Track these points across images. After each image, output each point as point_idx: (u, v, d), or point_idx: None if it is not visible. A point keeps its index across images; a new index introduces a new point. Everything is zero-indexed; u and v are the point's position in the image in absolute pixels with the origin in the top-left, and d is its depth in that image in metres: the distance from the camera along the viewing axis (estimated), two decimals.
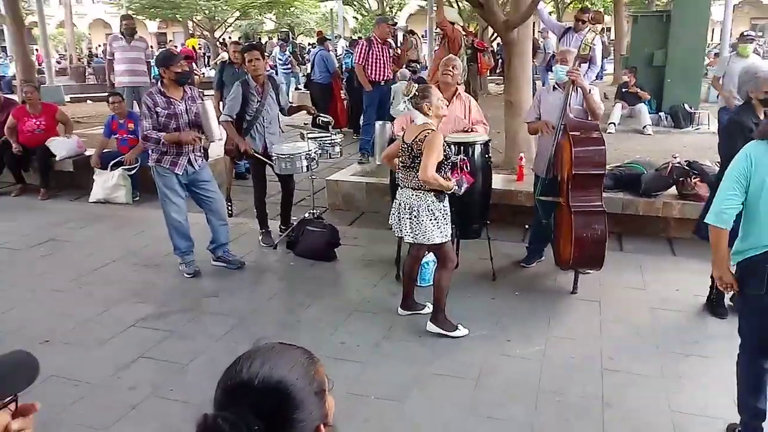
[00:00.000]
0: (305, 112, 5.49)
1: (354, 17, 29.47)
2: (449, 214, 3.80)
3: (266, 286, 4.77)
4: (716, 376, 3.30)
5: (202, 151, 4.74)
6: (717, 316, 4.04)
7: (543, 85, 12.63)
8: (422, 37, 17.51)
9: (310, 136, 5.12)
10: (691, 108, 9.67)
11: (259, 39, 29.83)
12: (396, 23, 9.09)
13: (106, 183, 6.89)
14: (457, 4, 15.15)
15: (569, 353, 3.68)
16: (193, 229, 4.88)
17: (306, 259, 5.15)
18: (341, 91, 11.14)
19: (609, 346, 3.74)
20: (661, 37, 9.55)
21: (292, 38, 32.45)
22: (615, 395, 3.26)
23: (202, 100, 4.62)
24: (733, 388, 2.89)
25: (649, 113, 9.69)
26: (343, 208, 6.59)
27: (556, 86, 4.58)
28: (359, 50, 7.20)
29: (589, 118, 4.44)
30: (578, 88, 4.36)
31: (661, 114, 9.89)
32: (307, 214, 5.45)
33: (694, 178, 5.19)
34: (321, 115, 5.29)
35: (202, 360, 3.64)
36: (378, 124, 4.75)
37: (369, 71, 7.18)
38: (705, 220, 2.79)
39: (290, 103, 5.54)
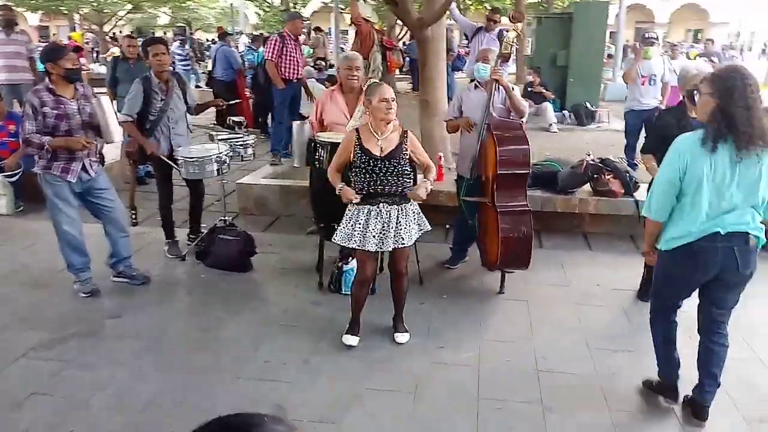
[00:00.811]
0: (214, 107, 5.08)
1: (256, 13, 28.61)
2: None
3: (176, 302, 4.36)
4: (647, 370, 3.32)
5: (98, 155, 4.25)
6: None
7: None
8: (327, 34, 17.22)
9: (220, 137, 4.74)
10: (592, 106, 10.07)
11: (153, 34, 28.31)
12: (308, 19, 8.78)
13: None
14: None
15: (504, 356, 3.60)
16: (89, 242, 4.37)
17: (219, 271, 4.78)
18: (245, 89, 10.69)
19: (541, 347, 3.70)
20: (563, 39, 9.88)
21: (190, 33, 31.14)
22: (554, 398, 3.20)
23: (97, 96, 4.14)
24: None
25: (554, 111, 9.99)
26: (256, 212, 6.24)
27: (477, 84, 4.50)
28: (272, 46, 6.84)
29: (513, 117, 4.40)
30: (501, 87, 4.29)
31: (565, 112, 10.23)
32: (218, 221, 5.07)
33: (608, 175, 5.31)
34: (230, 104, 4.92)
35: (107, 392, 3.22)
36: (296, 123, 4.46)
37: (281, 68, 6.84)
38: (644, 215, 2.97)
39: (195, 102, 5.12)
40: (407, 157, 3.57)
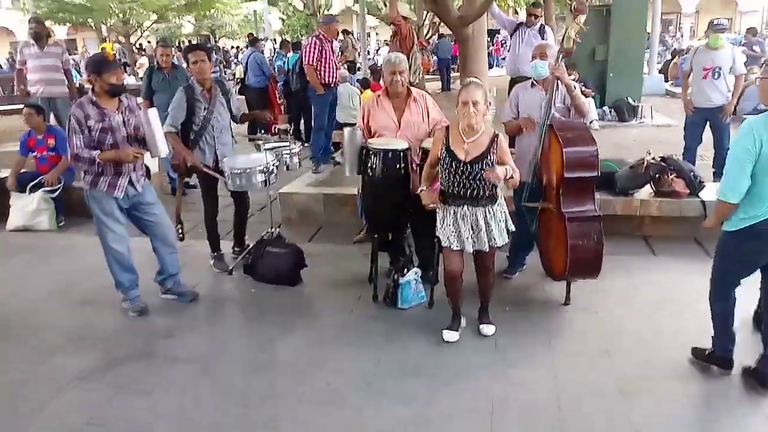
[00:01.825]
0: (259, 119, 4.92)
1: (280, 18, 28.64)
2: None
3: (227, 320, 4.21)
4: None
5: (144, 169, 4.11)
6: None
7: None
8: (356, 36, 17.05)
9: (266, 146, 4.58)
10: (633, 102, 9.72)
11: (179, 43, 28.53)
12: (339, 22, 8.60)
13: (26, 208, 6.05)
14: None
15: (581, 375, 3.36)
16: (135, 257, 4.24)
17: (268, 285, 4.62)
18: (277, 95, 10.58)
19: (620, 363, 3.45)
20: (602, 32, 9.53)
21: (215, 41, 31.36)
22: (643, 420, 2.95)
23: (143, 109, 3.99)
24: None
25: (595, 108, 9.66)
26: (300, 222, 6.07)
27: (534, 83, 4.27)
28: (310, 49, 6.63)
29: (573, 117, 4.15)
30: (561, 85, 4.05)
31: (605, 108, 9.90)
32: (265, 234, 4.91)
33: (671, 174, 5.02)
34: (277, 123, 4.76)
35: (167, 420, 3.07)
36: (347, 130, 4.25)
37: (320, 72, 6.65)
38: (720, 198, 3.00)
39: (241, 110, 4.96)
40: (493, 162, 3.43)
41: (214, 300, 4.49)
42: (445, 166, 3.49)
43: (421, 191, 3.70)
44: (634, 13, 9.49)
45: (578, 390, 3.21)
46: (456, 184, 3.47)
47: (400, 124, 4.32)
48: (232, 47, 29.29)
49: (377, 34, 36.00)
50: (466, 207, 3.50)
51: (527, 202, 4.18)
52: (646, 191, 5.24)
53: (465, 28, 6.32)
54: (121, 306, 4.25)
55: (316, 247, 5.42)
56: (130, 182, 3.98)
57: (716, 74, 6.08)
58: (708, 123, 6.27)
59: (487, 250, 3.56)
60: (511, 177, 3.43)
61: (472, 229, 3.52)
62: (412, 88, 4.39)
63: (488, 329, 3.78)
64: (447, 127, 3.61)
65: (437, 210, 3.63)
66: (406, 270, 4.20)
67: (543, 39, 7.08)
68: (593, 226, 3.86)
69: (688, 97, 6.40)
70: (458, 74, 19.50)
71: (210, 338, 3.91)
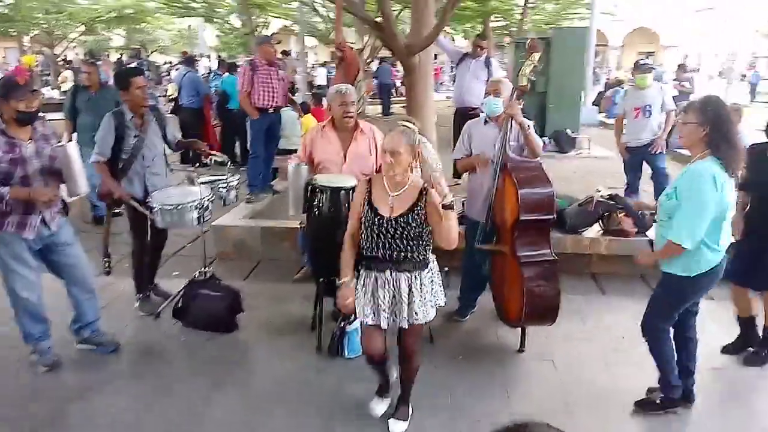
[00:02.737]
0: (196, 149, 4.53)
1: (216, 35, 27.92)
2: None
3: (153, 374, 3.75)
4: None
5: (60, 205, 3.64)
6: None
7: None
8: (296, 57, 16.73)
9: (202, 180, 4.19)
10: (572, 133, 9.84)
11: (107, 56, 27.34)
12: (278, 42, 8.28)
13: None
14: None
15: None
16: (47, 299, 3.72)
17: (200, 331, 4.20)
18: (212, 117, 10.12)
19: (584, 423, 3.26)
20: (542, 64, 9.62)
21: (146, 56, 30.25)
22: None
23: (62, 144, 3.53)
24: None
25: None
26: (234, 257, 5.67)
27: (487, 119, 4.10)
28: (242, 76, 6.33)
29: (525, 155, 4.00)
30: (514, 123, 3.89)
31: (545, 139, 9.96)
32: (197, 273, 4.50)
33: (620, 213, 4.97)
34: (214, 153, 4.38)
35: None
36: (291, 166, 3.94)
37: (255, 97, 6.32)
38: (679, 243, 2.94)
39: (177, 138, 4.57)
40: (422, 219, 2.88)
41: (138, 350, 4.04)
42: (368, 224, 2.91)
43: (341, 284, 3.01)
44: (574, 46, 9.65)
45: None
46: (380, 245, 2.89)
47: (346, 158, 4.05)
48: (165, 62, 28.28)
49: (315, 54, 35.81)
50: (388, 272, 2.91)
51: (481, 244, 3.98)
52: (594, 229, 5.17)
53: (412, 57, 6.16)
54: (29, 359, 3.74)
55: (254, 285, 5.05)
56: (43, 221, 3.51)
57: (647, 113, 6.21)
58: (644, 160, 6.35)
59: (406, 326, 2.95)
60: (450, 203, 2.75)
61: (393, 299, 2.93)
62: (359, 120, 4.15)
63: (396, 426, 3.16)
64: (369, 179, 3.04)
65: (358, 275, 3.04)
66: (352, 317, 3.90)
67: (489, 70, 7.06)
68: (550, 270, 3.69)
69: (622, 140, 6.48)
70: (399, 98, 19.62)
71: (132, 399, 3.46)
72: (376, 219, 2.90)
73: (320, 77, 21.88)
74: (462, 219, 5.01)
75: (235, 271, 5.34)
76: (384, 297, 2.93)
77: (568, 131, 9.79)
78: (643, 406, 3.34)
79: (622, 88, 15.19)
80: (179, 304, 4.35)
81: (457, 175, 4.30)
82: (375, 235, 2.90)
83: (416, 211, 2.88)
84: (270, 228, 5.66)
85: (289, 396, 3.48)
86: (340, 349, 3.88)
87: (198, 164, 8.76)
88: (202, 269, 4.49)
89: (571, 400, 3.44)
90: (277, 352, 3.98)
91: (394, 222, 2.87)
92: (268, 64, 6.47)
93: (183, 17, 24.46)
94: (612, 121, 13.64)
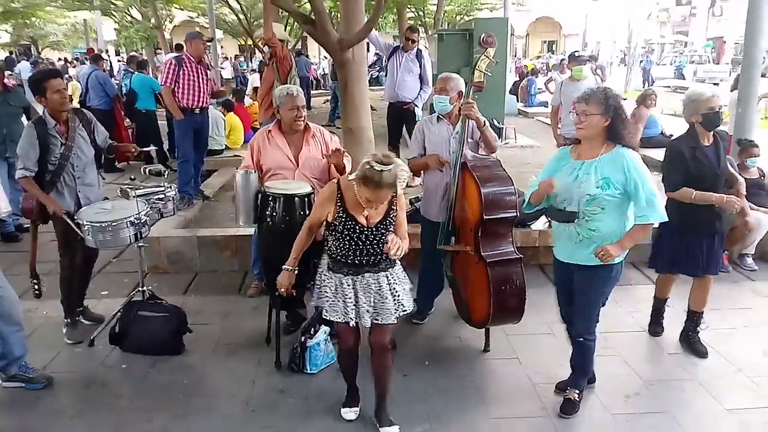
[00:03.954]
0: (126, 152, 4.17)
1: (115, 29, 26.32)
2: None
3: (96, 409, 3.36)
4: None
5: None
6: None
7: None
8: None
9: (138, 193, 3.82)
10: (498, 123, 9.96)
11: None
12: (210, 39, 7.84)
13: None
14: (287, 21, 13.94)
15: None
16: None
17: (143, 356, 3.85)
18: (123, 118, 9.48)
19: (563, 422, 3.23)
20: (465, 55, 9.65)
21: (38, 52, 28.16)
22: None
23: None
24: None
25: None
26: (170, 270, 5.28)
27: (440, 117, 4.00)
28: (167, 70, 5.88)
29: (482, 152, 3.94)
30: (470, 121, 3.81)
31: None
32: (134, 293, 4.13)
33: None
34: (147, 156, 4.03)
35: None
36: (239, 174, 3.65)
37: (180, 96, 5.89)
38: (656, 221, 3.02)
39: (108, 141, 4.16)
40: (394, 222, 2.98)
41: (76, 383, 3.63)
42: (345, 232, 2.88)
43: (287, 271, 3.08)
44: (495, 36, 9.73)
45: None
46: (357, 252, 2.90)
47: (298, 162, 3.83)
48: (59, 59, 26.33)
49: (222, 47, 34.69)
50: (368, 275, 2.96)
51: (442, 245, 3.88)
52: (542, 221, 5.21)
53: (345, 52, 5.95)
54: None
55: (195, 300, 4.72)
56: None
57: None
58: None
59: (395, 321, 3.00)
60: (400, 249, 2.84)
61: (376, 299, 2.97)
62: (309, 123, 3.93)
63: (392, 430, 3.11)
64: (338, 184, 2.96)
65: (319, 275, 3.08)
66: (313, 330, 3.70)
67: (420, 64, 6.96)
68: (515, 268, 3.64)
69: (560, 131, 6.58)
70: (317, 91, 19.28)
71: None
72: (354, 227, 2.88)
73: (227, 71, 21.17)
74: (412, 217, 4.94)
75: (171, 285, 4.96)
76: (367, 299, 2.97)
77: (495, 122, 9.88)
78: (568, 411, 3.26)
79: (535, 77, 15.69)
80: (116, 329, 3.97)
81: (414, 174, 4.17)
82: (353, 243, 2.90)
83: (391, 215, 2.95)
84: (207, 237, 5.32)
85: (256, 421, 3.24)
86: (302, 364, 3.67)
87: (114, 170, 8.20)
88: (140, 288, 4.12)
89: (545, 400, 3.41)
90: (233, 372, 3.71)
91: (374, 229, 2.90)
92: (197, 62, 6.07)
93: (77, 10, 22.96)
94: (531, 110, 14.15)
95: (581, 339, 3.27)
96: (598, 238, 3.02)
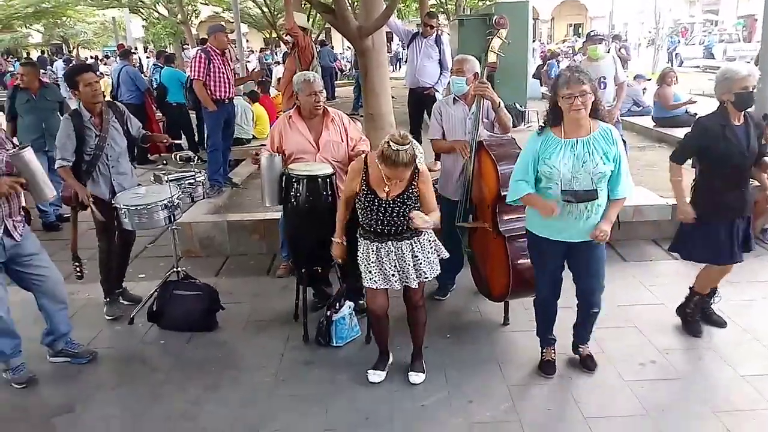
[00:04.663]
0: (162, 143, 4.40)
1: (143, 26, 26.83)
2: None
3: (137, 382, 3.60)
4: (699, 401, 3.05)
5: (22, 214, 3.44)
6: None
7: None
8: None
9: (170, 177, 4.04)
10: (521, 107, 10.01)
11: (28, 54, 25.89)
12: (231, 31, 8.04)
13: None
14: (309, 12, 14.08)
15: (543, 405, 3.23)
16: (15, 312, 3.52)
17: (179, 333, 4.08)
18: (154, 111, 9.78)
19: (578, 388, 3.36)
20: (509, 40, 9.70)
21: (69, 51, 28.84)
22: None
23: (15, 146, 3.33)
24: None
25: None
26: (202, 254, 5.51)
27: (456, 98, 4.12)
28: (197, 63, 6.09)
29: (496, 132, 4.05)
30: (485, 101, 3.93)
31: None
32: (169, 273, 4.35)
33: None
34: (177, 142, 4.25)
35: None
36: (264, 156, 3.84)
37: (210, 88, 6.10)
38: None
39: (142, 131, 4.39)
40: (416, 196, 3.18)
41: (117, 358, 3.88)
42: (366, 204, 3.16)
43: (336, 243, 3.39)
44: (516, 21, 9.71)
45: (545, 426, 3.07)
46: (378, 222, 3.16)
47: (318, 146, 3.99)
48: (91, 57, 26.97)
49: (248, 41, 35.05)
50: (390, 243, 3.20)
51: (461, 222, 4.01)
52: None
53: (364, 39, 6.09)
54: (2, 378, 3.54)
55: (226, 282, 4.93)
56: (6, 231, 3.30)
57: (602, 84, 6.26)
58: None
59: (416, 285, 3.27)
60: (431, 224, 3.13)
61: (398, 265, 3.22)
62: (327, 108, 4.08)
63: (416, 377, 3.42)
64: (365, 159, 3.23)
65: (358, 244, 3.31)
66: (338, 305, 3.88)
67: (440, 49, 7.07)
68: None
69: None
70: (342, 81, 19.44)
71: (119, 408, 3.34)
72: (374, 200, 3.14)
73: (253, 64, 21.44)
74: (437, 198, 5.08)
75: (204, 268, 5.19)
76: (390, 264, 3.20)
77: (517, 105, 9.94)
78: (592, 365, 3.49)
79: (557, 60, 15.60)
80: (154, 307, 4.20)
81: (436, 156, 4.32)
82: (374, 213, 3.15)
83: (410, 190, 3.15)
84: (236, 222, 5.53)
85: (284, 391, 3.43)
86: (328, 338, 3.85)
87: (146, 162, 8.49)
88: (174, 269, 4.35)
89: (563, 370, 3.52)
90: (262, 347, 3.91)
91: (391, 202, 3.13)
92: (221, 54, 6.27)
93: (106, 9, 23.48)
94: None
95: (597, 310, 3.41)
96: (598, 212, 3.11)
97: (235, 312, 4.35)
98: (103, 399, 3.43)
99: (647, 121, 9.48)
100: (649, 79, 12.24)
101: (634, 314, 4.12)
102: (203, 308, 4.11)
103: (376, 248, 3.21)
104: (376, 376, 3.44)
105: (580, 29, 40.87)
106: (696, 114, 9.03)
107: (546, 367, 3.50)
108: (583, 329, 3.54)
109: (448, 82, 6.95)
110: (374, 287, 3.23)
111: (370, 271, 3.22)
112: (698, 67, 22.34)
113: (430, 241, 3.31)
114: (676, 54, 26.05)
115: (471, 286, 4.40)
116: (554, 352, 3.57)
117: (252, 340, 4.01)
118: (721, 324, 3.92)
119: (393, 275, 3.21)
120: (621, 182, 3.10)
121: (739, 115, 3.50)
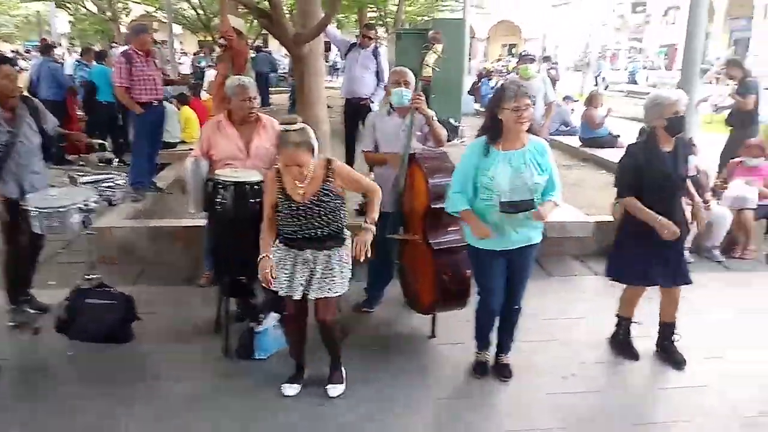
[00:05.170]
0: (80, 142, 4.15)
1: (69, 21, 25.64)
2: None
3: (46, 395, 3.35)
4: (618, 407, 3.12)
5: None
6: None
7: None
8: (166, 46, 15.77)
9: (84, 180, 3.81)
10: (455, 122, 10.15)
11: None
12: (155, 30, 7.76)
13: None
14: (247, 16, 13.70)
15: (467, 417, 3.22)
16: None
17: (90, 344, 3.83)
18: (76, 110, 9.32)
19: (501, 401, 3.37)
20: (445, 54, 9.83)
21: None
22: None
23: None
24: None
25: None
26: (119, 261, 5.22)
27: (390, 111, 4.11)
28: (118, 70, 5.81)
29: (429, 145, 4.06)
30: (419, 114, 3.94)
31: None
32: (81, 281, 4.09)
33: None
34: (101, 142, 4.02)
35: None
36: (190, 160, 3.69)
37: (135, 91, 5.83)
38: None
39: (58, 127, 4.13)
40: (335, 192, 3.14)
41: (20, 370, 3.61)
42: (285, 211, 3.11)
43: (261, 259, 3.13)
44: (453, 38, 9.92)
45: None
46: (298, 229, 3.10)
47: (249, 153, 3.87)
48: (12, 51, 25.53)
49: (181, 43, 34.21)
50: (308, 252, 3.13)
51: (391, 234, 3.97)
52: None
53: (301, 47, 6.00)
54: None
55: (145, 291, 4.66)
56: None
57: (531, 102, 6.43)
58: None
59: (314, 297, 3.14)
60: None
61: (310, 274, 3.14)
62: (261, 114, 3.98)
63: (334, 390, 3.34)
64: (278, 169, 3.16)
65: (277, 249, 3.22)
66: (262, 316, 3.75)
67: (377, 60, 7.06)
68: (461, 255, 3.75)
69: None
70: (278, 88, 19.19)
71: (21, 423, 3.09)
72: (290, 205, 3.09)
73: (185, 67, 20.91)
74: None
75: (121, 276, 4.89)
76: (302, 274, 3.12)
77: (451, 120, 10.07)
78: (508, 373, 3.56)
79: (489, 79, 16.02)
80: (63, 316, 3.93)
81: (369, 168, 4.30)
82: (293, 220, 3.10)
83: (327, 186, 3.10)
84: (159, 228, 5.30)
85: (201, 405, 3.27)
86: (249, 352, 3.71)
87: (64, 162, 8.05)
88: (87, 275, 4.10)
89: (485, 381, 3.54)
90: (181, 359, 3.73)
91: (309, 204, 3.07)
92: (145, 55, 6.02)
93: (31, 1, 22.36)
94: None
95: (518, 306, 3.51)
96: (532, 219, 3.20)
97: (153, 322, 4.14)
98: (3, 415, 3.16)
99: (574, 141, 9.81)
100: (577, 101, 12.73)
101: (558, 328, 4.19)
102: (117, 318, 3.88)
103: (293, 255, 3.14)
104: (290, 389, 3.35)
105: (514, 50, 42.17)
106: (619, 135, 9.45)
107: (479, 368, 3.58)
108: (506, 334, 3.58)
109: (384, 94, 6.99)
110: (279, 291, 3.15)
111: (280, 277, 3.13)
112: (622, 91, 23.44)
113: (348, 255, 3.22)
114: (603, 78, 27.28)
115: (399, 298, 4.36)
116: (489, 355, 3.64)
117: (170, 352, 3.82)
118: (679, 363, 3.70)
119: (301, 284, 3.12)
120: (556, 189, 3.24)
121: (669, 141, 3.51)
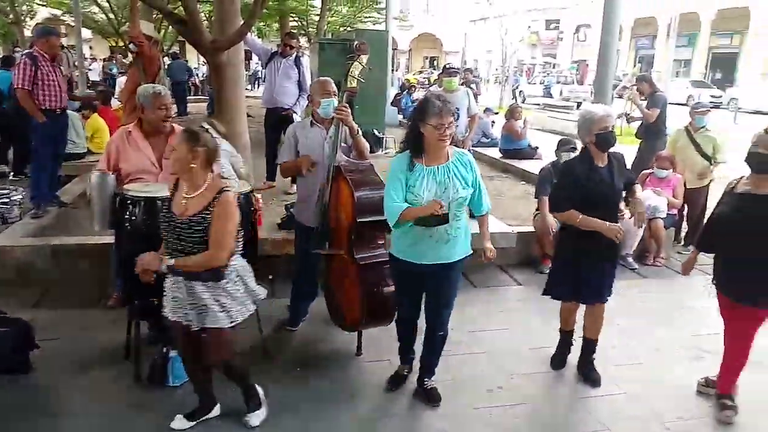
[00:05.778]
0: None
1: None
2: None
3: None
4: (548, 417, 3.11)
5: None
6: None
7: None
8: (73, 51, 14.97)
9: None
10: (379, 133, 10.14)
11: None
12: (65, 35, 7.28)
13: None
14: (161, 22, 13.08)
15: None
16: None
17: None
18: None
19: (427, 417, 3.30)
20: (369, 66, 9.76)
21: None
22: None
23: None
24: None
25: None
26: (18, 284, 4.79)
27: (313, 122, 3.99)
28: (22, 71, 5.34)
29: (353, 157, 3.97)
30: (343, 126, 3.85)
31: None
32: None
33: None
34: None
35: None
36: (95, 175, 3.41)
37: (39, 97, 5.40)
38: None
39: None
40: (208, 222, 2.76)
41: None
42: (165, 223, 2.84)
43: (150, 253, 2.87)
44: (376, 49, 9.88)
45: None
46: (172, 243, 2.82)
47: (161, 166, 3.64)
48: None
49: (91, 48, 32.70)
50: (181, 277, 2.80)
51: (316, 249, 3.84)
52: None
53: (218, 54, 5.78)
54: None
55: (46, 315, 4.31)
56: None
57: (456, 115, 6.47)
58: None
59: (195, 328, 2.82)
60: None
61: (177, 298, 2.85)
62: (174, 125, 3.76)
63: (254, 419, 3.12)
64: (178, 179, 2.92)
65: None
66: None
67: (299, 70, 6.94)
68: (387, 270, 3.66)
69: None
70: (196, 97, 18.60)
71: None
72: (170, 218, 2.82)
73: (94, 73, 19.98)
74: (286, 224, 4.87)
75: (18, 300, 4.48)
76: (175, 294, 2.85)
77: (375, 131, 10.05)
78: (437, 399, 3.40)
79: (410, 93, 16.19)
80: None
81: (292, 180, 4.14)
82: (169, 234, 2.83)
83: (207, 214, 2.76)
84: (63, 246, 4.90)
85: None
86: (162, 377, 3.47)
87: None
88: None
89: (412, 398, 3.46)
90: (87, 389, 3.43)
91: (187, 221, 2.77)
92: (51, 59, 5.60)
93: None
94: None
95: (443, 332, 3.39)
96: (460, 234, 3.18)
97: (56, 349, 3.80)
98: None
99: (495, 152, 10.01)
100: (497, 113, 13.05)
101: (483, 339, 4.18)
102: (12, 347, 3.53)
103: (173, 276, 2.84)
104: (177, 422, 3.07)
105: (435, 62, 43.04)
106: (537, 147, 9.73)
107: (392, 382, 3.54)
108: (431, 357, 3.47)
109: (307, 104, 6.84)
110: (167, 315, 2.90)
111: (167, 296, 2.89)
112: (539, 104, 24.32)
113: (232, 288, 2.87)
114: (520, 91, 28.24)
115: (324, 315, 4.21)
116: (408, 369, 3.60)
117: (74, 382, 3.50)
118: (597, 382, 3.66)
119: (181, 307, 2.83)
120: (483, 200, 3.27)
121: (603, 157, 3.49)
